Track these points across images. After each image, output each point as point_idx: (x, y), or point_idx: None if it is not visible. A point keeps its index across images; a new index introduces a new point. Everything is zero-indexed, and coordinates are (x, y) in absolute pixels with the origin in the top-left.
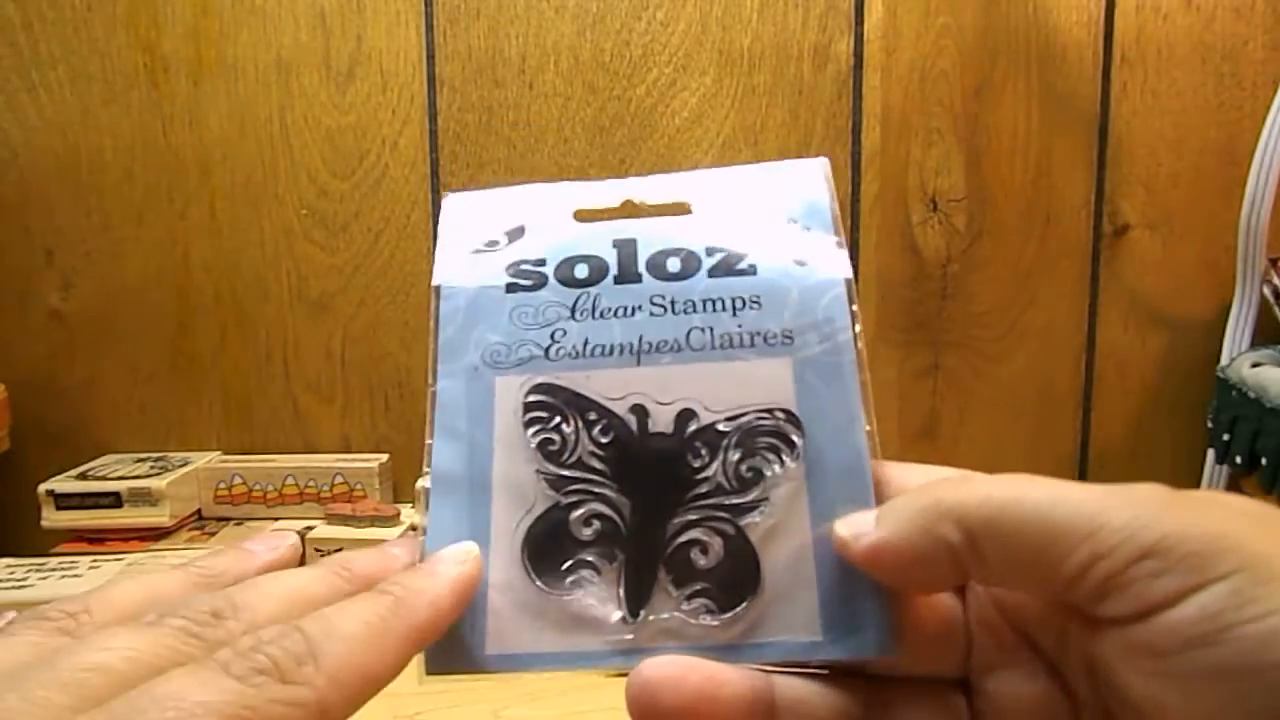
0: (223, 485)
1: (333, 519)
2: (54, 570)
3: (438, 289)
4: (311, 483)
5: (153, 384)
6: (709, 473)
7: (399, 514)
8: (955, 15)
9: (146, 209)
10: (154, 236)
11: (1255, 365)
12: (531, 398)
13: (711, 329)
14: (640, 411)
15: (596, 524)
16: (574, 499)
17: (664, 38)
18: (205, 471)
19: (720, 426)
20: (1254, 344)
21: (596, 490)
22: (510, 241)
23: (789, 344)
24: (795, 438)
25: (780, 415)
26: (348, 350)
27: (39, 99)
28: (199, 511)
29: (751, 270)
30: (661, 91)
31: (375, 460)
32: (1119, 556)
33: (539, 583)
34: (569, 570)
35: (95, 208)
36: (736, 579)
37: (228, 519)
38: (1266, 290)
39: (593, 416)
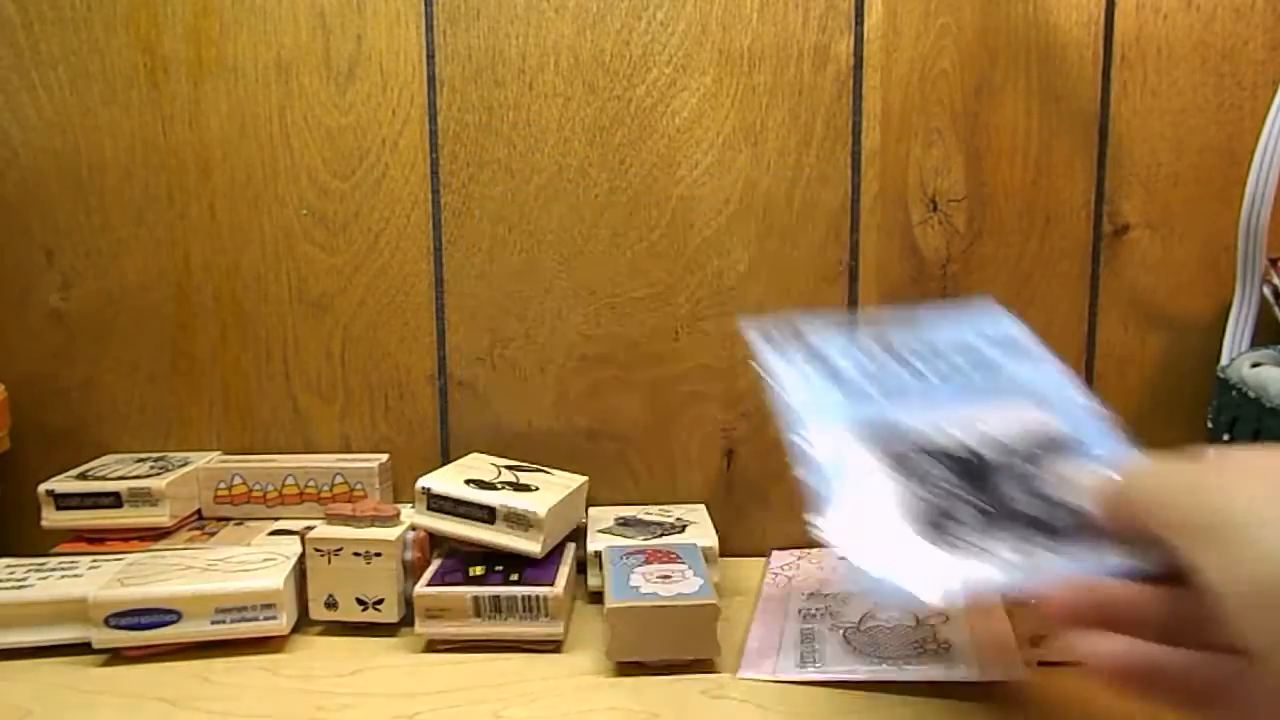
0: (223, 485)
1: (333, 519)
2: (54, 570)
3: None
4: (311, 483)
5: (153, 384)
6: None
7: (399, 514)
8: (955, 15)
9: (146, 209)
10: (154, 236)
11: (1255, 365)
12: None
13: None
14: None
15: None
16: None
17: (664, 38)
18: (205, 471)
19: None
20: (1254, 344)
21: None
22: (801, 348)
23: None
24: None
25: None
26: (348, 350)
27: (39, 99)
28: (199, 511)
29: (995, 365)
30: (661, 91)
31: (375, 460)
32: None
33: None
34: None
35: (95, 208)
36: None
37: (228, 519)
38: (1266, 290)
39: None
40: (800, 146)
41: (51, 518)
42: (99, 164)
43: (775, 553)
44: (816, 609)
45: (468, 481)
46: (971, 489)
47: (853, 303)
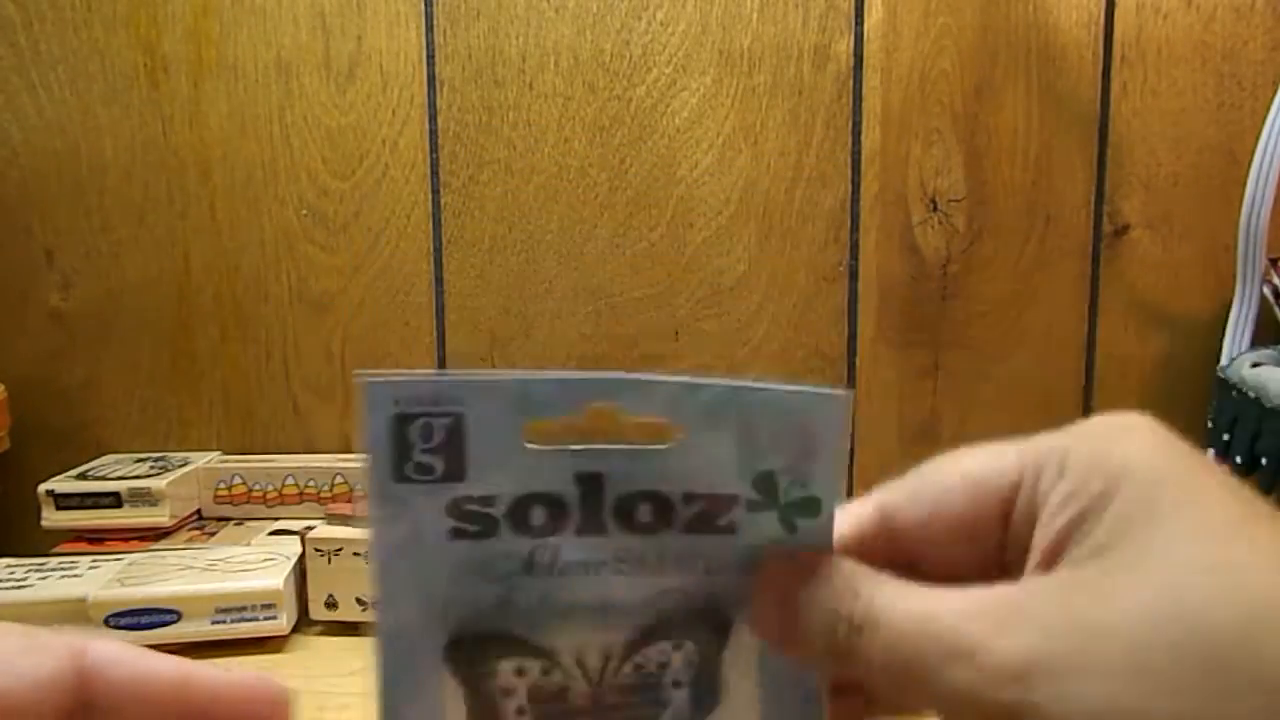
0: (223, 485)
1: (333, 519)
2: (54, 570)
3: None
4: (311, 483)
5: (153, 384)
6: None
7: None
8: (955, 15)
9: (146, 209)
10: (154, 236)
11: (1255, 365)
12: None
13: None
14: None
15: None
16: None
17: (664, 38)
18: (205, 471)
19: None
20: (1254, 344)
21: None
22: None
23: None
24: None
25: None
26: (348, 350)
27: (39, 99)
28: (199, 511)
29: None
30: (661, 91)
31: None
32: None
33: None
34: None
35: (95, 208)
36: None
37: (228, 519)
38: (1266, 290)
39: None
40: (800, 146)
41: (51, 518)
42: (99, 164)
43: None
44: None
45: None
46: None
47: (852, 303)
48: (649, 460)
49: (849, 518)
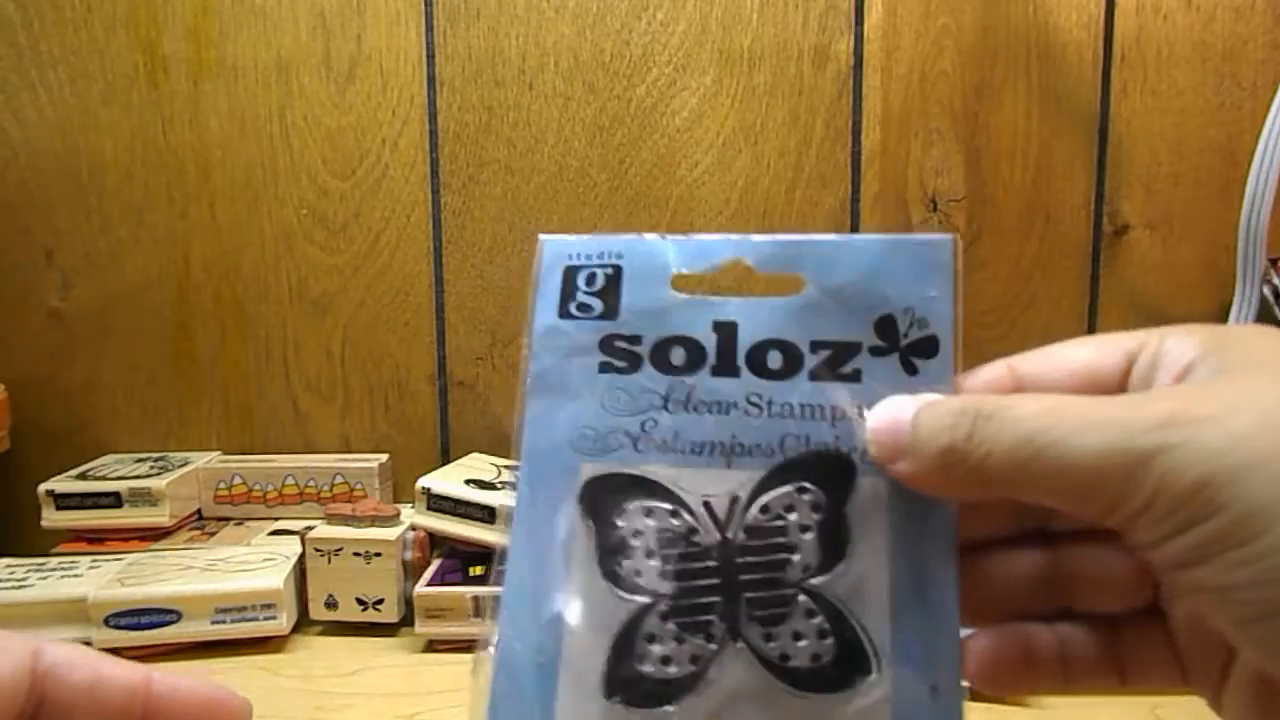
0: (223, 485)
1: (333, 519)
2: (54, 570)
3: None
4: (311, 483)
5: (153, 384)
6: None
7: (399, 514)
8: (955, 15)
9: (146, 209)
10: (154, 236)
11: None
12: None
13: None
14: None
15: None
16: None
17: (664, 38)
18: (205, 471)
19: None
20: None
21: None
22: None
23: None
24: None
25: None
26: (348, 350)
27: (39, 99)
28: (199, 511)
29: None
30: (661, 91)
31: (375, 460)
32: (1139, 509)
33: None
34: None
35: (95, 208)
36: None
37: (228, 519)
38: (1266, 290)
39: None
40: (800, 146)
41: (51, 518)
42: (99, 164)
43: None
44: None
45: (468, 481)
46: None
47: None
48: (779, 310)
49: (978, 374)
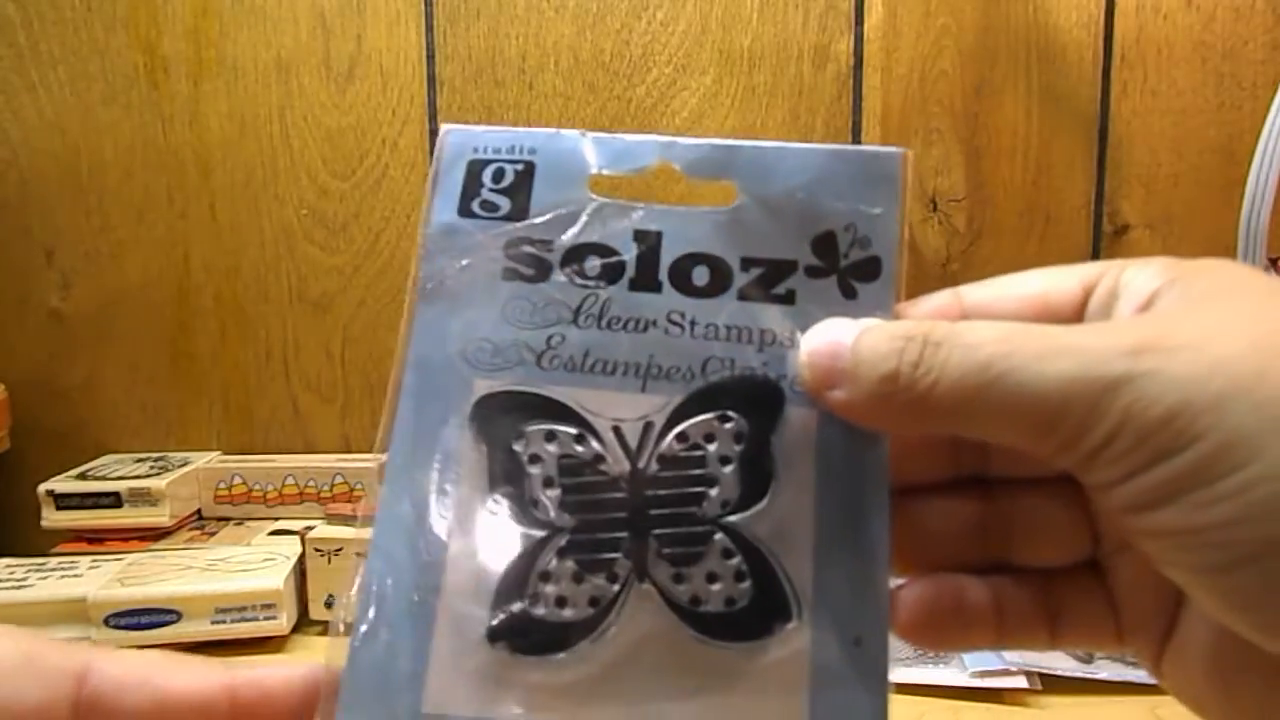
0: (223, 485)
1: (333, 519)
2: (54, 570)
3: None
4: (311, 483)
5: (153, 384)
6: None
7: None
8: (955, 15)
9: (146, 209)
10: (154, 236)
11: None
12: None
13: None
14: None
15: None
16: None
17: (664, 38)
18: (205, 471)
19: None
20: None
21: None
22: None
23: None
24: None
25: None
26: (348, 350)
27: (39, 99)
28: (199, 511)
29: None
30: (661, 91)
31: (375, 460)
32: (1104, 438)
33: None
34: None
35: (95, 208)
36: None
37: (228, 519)
38: None
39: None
40: None
41: (51, 518)
42: (99, 164)
43: None
44: None
45: None
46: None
47: None
48: (707, 221)
49: (922, 302)
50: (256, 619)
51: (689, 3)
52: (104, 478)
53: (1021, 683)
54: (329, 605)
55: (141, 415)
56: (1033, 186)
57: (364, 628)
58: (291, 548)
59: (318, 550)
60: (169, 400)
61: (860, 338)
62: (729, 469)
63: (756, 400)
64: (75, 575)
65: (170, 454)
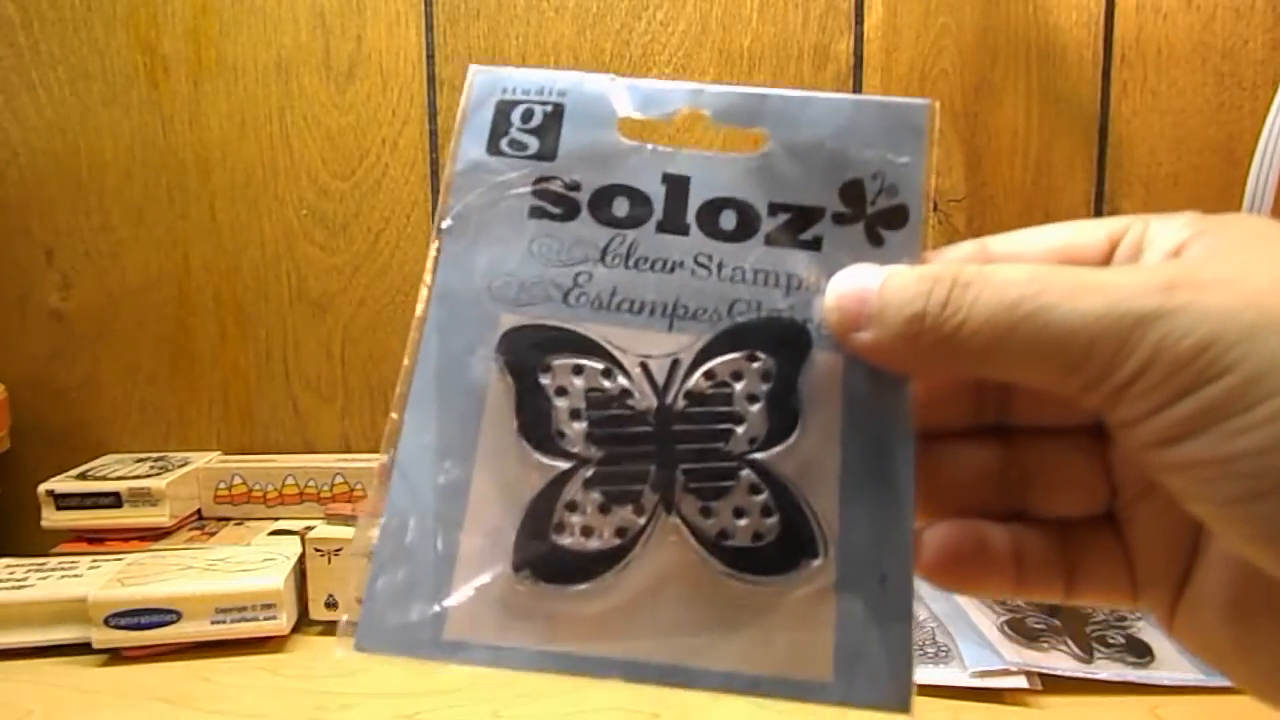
0: (223, 485)
1: (333, 519)
2: (54, 570)
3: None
4: (311, 483)
5: (153, 384)
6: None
7: None
8: (955, 15)
9: (146, 209)
10: (154, 236)
11: None
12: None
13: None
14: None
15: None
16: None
17: (664, 38)
18: (205, 471)
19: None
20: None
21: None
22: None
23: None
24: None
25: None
26: (348, 350)
27: (39, 99)
28: (199, 511)
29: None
30: None
31: (375, 460)
32: (1132, 375)
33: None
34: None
35: (95, 208)
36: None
37: (228, 519)
38: None
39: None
40: None
41: (51, 518)
42: (99, 164)
43: None
44: None
45: None
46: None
47: None
48: (736, 167)
49: (949, 250)
50: (256, 619)
51: (689, 3)
52: (104, 478)
53: (1021, 683)
54: (329, 605)
55: (141, 415)
56: (1033, 186)
57: (385, 556)
58: (291, 548)
59: (318, 550)
60: (169, 400)
61: (887, 280)
62: (756, 407)
63: (783, 341)
64: (75, 575)
65: (170, 454)
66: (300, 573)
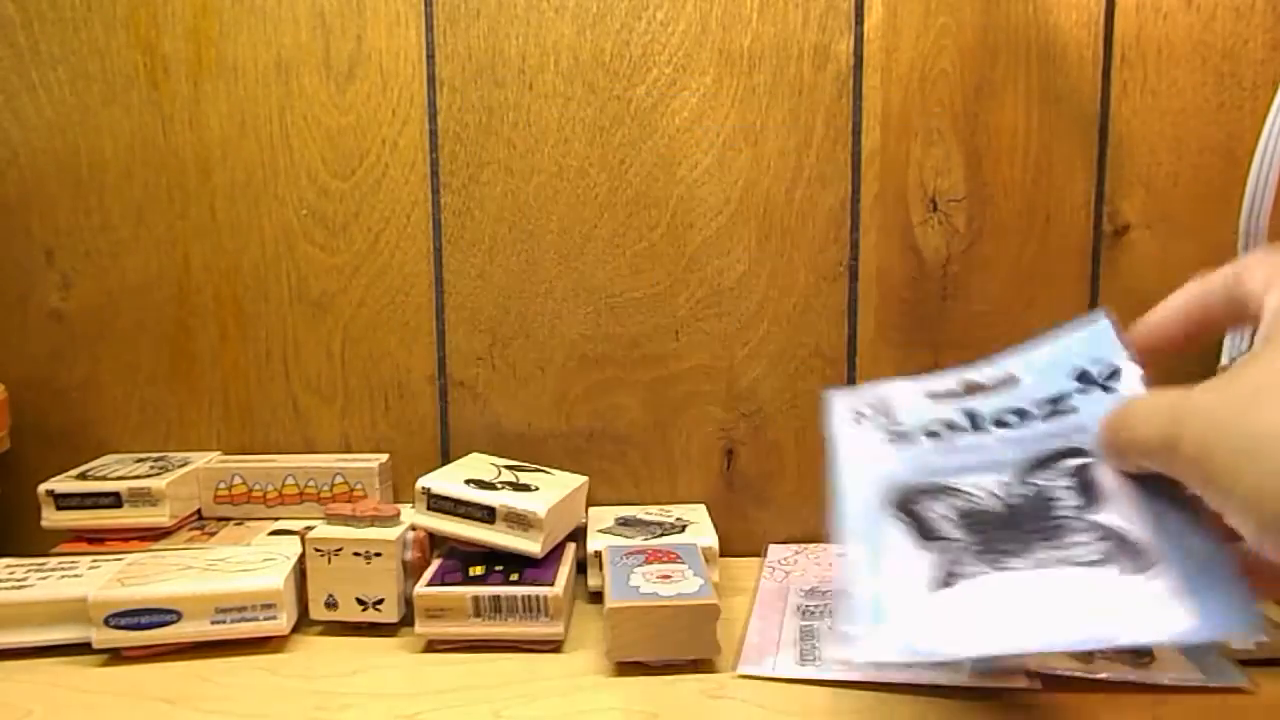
0: (223, 485)
1: (333, 519)
2: (54, 570)
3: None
4: (311, 483)
5: (153, 384)
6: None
7: (399, 514)
8: (955, 15)
9: (146, 209)
10: (154, 236)
11: None
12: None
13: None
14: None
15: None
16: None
17: (664, 38)
18: (205, 471)
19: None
20: (1253, 344)
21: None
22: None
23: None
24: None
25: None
26: (348, 350)
27: (39, 99)
28: (199, 511)
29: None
30: (661, 91)
31: (375, 460)
32: None
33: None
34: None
35: (95, 208)
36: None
37: (228, 519)
38: None
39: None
40: (800, 146)
41: (51, 518)
42: (99, 164)
43: (772, 546)
44: (815, 606)
45: (468, 481)
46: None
47: (852, 303)
48: (1008, 391)
49: (1135, 334)
50: (256, 619)
51: (689, 3)
52: (104, 478)
53: (1021, 683)
54: (329, 605)
55: (141, 415)
56: (1033, 186)
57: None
58: (291, 548)
59: (318, 550)
60: (169, 400)
61: (1125, 416)
62: (1071, 490)
63: (1075, 457)
64: (75, 575)
65: (170, 454)
66: (300, 573)
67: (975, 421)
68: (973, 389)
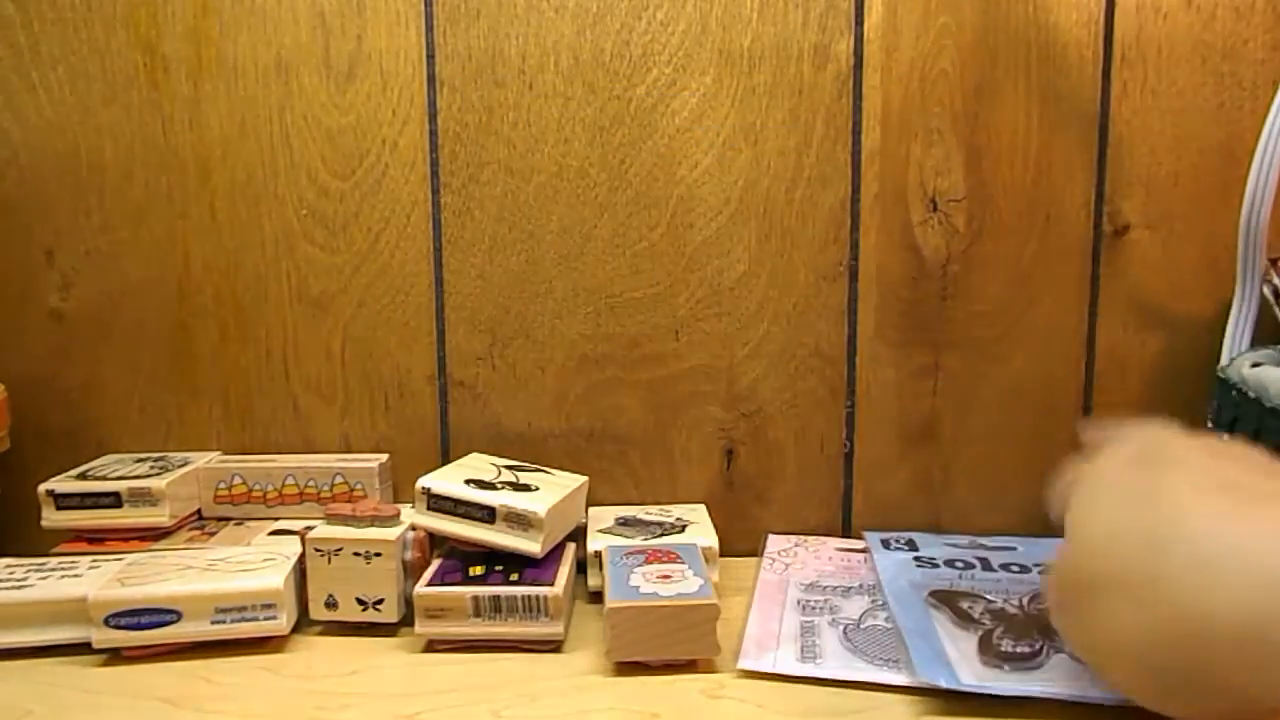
0: (223, 485)
1: (333, 519)
2: (54, 570)
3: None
4: (311, 483)
5: (153, 384)
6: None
7: (399, 514)
8: (955, 15)
9: (146, 209)
10: (154, 236)
11: (1255, 365)
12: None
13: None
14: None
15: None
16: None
17: (664, 38)
18: (205, 471)
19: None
20: (1254, 344)
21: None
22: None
23: None
24: None
25: None
26: (348, 350)
27: (39, 99)
28: (199, 511)
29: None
30: (661, 91)
31: (375, 460)
32: None
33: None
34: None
35: (95, 208)
36: None
37: (228, 519)
38: (1266, 290)
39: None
40: (800, 146)
41: (51, 518)
42: (99, 164)
43: (772, 537)
44: (815, 601)
45: (468, 481)
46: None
47: (852, 302)
48: (1008, 554)
49: None
50: (256, 619)
51: (689, 3)
52: (104, 478)
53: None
54: (329, 605)
55: (141, 415)
56: (1033, 186)
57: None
58: (291, 548)
59: (318, 550)
60: (169, 400)
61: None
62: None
63: None
64: (75, 575)
65: (170, 454)
66: (300, 573)
67: (986, 565)
68: (978, 546)
